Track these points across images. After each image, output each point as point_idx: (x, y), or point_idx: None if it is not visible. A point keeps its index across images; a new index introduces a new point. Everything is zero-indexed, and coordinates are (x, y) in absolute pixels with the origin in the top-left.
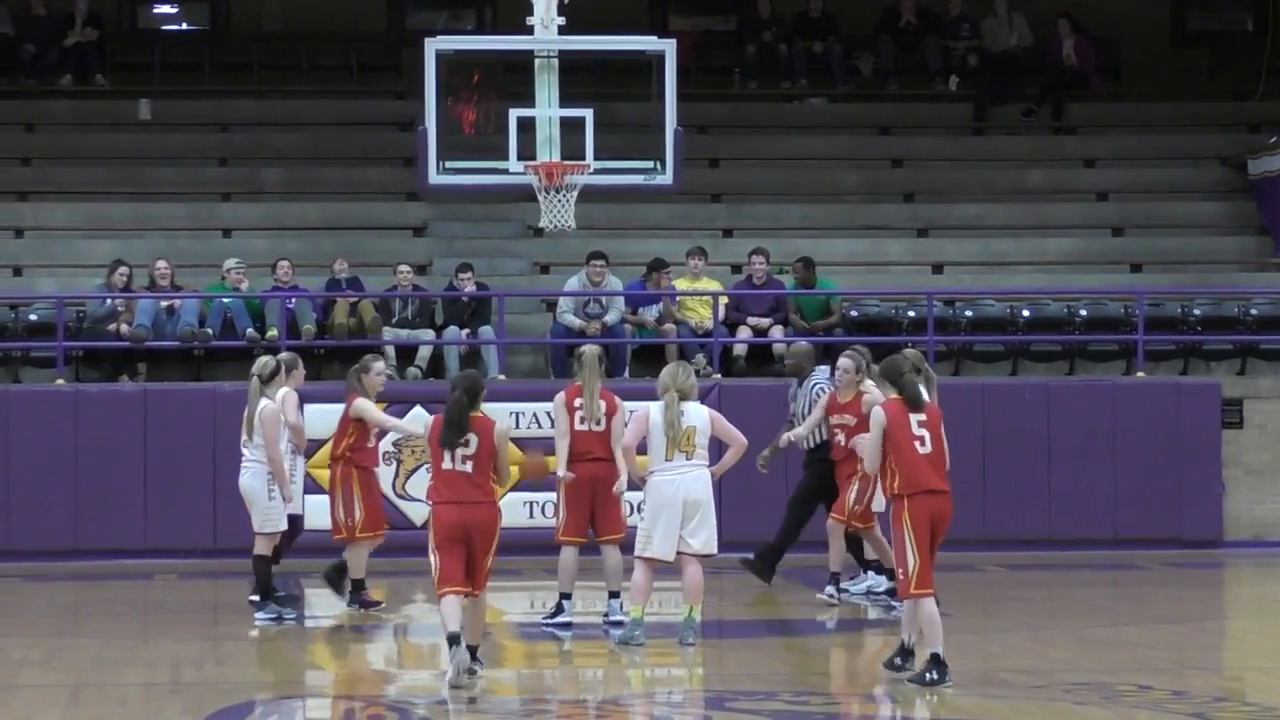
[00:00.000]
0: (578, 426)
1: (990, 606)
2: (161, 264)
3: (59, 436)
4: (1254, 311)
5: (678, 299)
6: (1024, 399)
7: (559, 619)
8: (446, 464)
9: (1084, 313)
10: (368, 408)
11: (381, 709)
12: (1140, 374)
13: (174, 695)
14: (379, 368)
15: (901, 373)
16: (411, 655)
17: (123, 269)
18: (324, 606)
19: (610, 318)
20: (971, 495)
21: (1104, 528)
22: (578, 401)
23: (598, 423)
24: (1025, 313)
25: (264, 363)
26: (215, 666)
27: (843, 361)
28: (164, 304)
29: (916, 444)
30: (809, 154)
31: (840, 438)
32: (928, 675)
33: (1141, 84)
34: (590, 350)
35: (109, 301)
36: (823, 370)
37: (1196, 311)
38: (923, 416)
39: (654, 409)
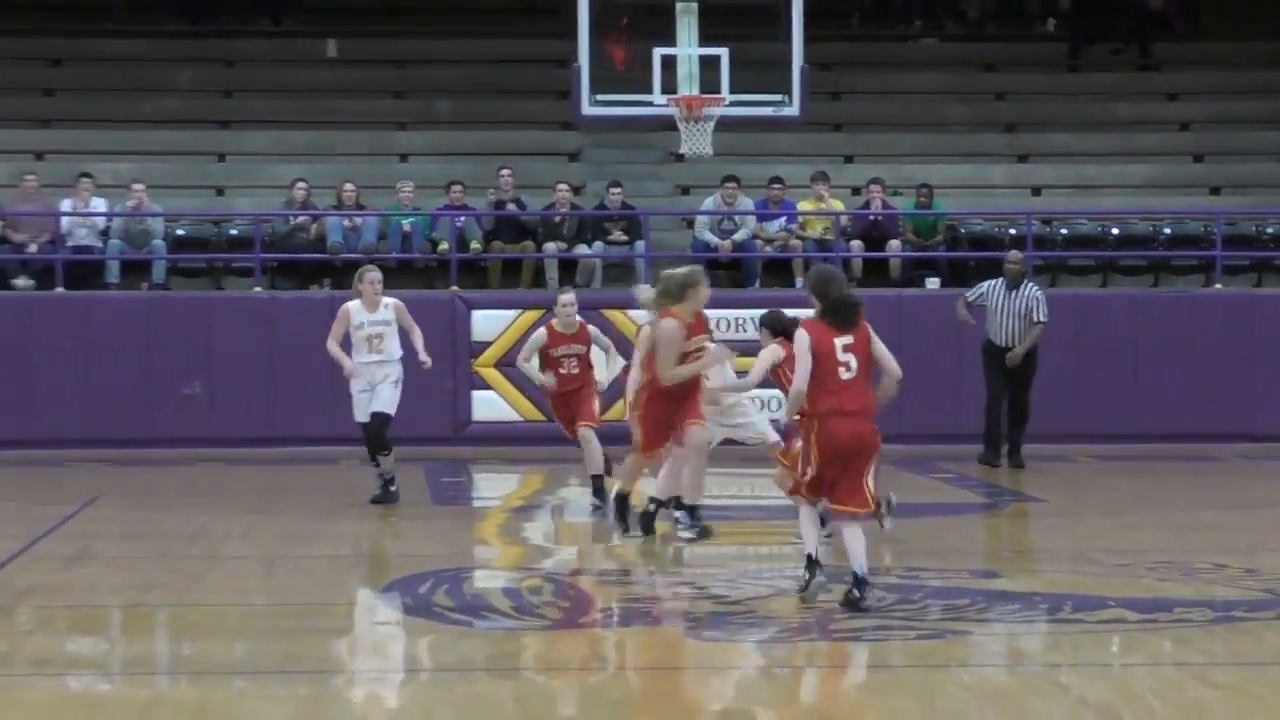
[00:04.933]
0: None
1: (1081, 494)
2: (349, 186)
3: (257, 338)
4: None
5: (800, 218)
6: (1113, 309)
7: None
8: None
9: (1167, 231)
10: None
11: (539, 579)
12: (1218, 286)
13: (356, 567)
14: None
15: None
16: (567, 533)
17: (300, 184)
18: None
19: (741, 235)
20: (1065, 395)
21: (1184, 424)
22: None
23: None
24: (1114, 231)
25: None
26: (392, 541)
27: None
28: (346, 222)
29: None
30: (920, 89)
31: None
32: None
33: (1220, 25)
34: None
35: (290, 219)
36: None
37: (1269, 230)
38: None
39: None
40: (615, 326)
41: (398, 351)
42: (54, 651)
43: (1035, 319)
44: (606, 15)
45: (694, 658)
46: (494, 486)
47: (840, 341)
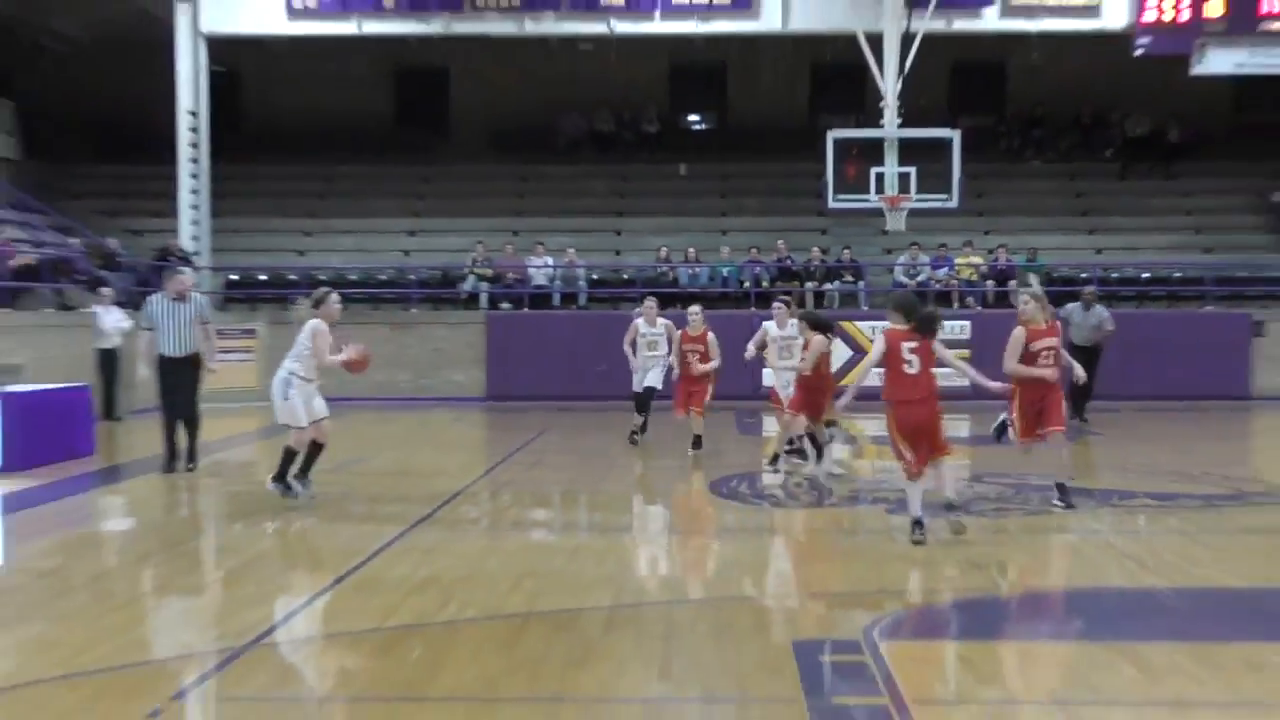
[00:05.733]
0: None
1: (1130, 429)
2: (691, 249)
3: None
4: None
5: (956, 266)
6: (1139, 322)
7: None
8: None
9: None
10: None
11: (801, 478)
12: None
13: (695, 470)
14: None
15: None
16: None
17: (663, 248)
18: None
19: (920, 277)
20: (1111, 370)
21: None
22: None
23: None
24: (1144, 275)
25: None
26: (715, 456)
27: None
28: (690, 270)
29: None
30: (1031, 191)
31: None
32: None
33: (1222, 150)
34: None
35: (657, 268)
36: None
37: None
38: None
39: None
40: (847, 332)
41: (667, 351)
42: (521, 518)
43: (1106, 328)
44: (843, 148)
45: (884, 525)
46: (775, 425)
47: (907, 345)
